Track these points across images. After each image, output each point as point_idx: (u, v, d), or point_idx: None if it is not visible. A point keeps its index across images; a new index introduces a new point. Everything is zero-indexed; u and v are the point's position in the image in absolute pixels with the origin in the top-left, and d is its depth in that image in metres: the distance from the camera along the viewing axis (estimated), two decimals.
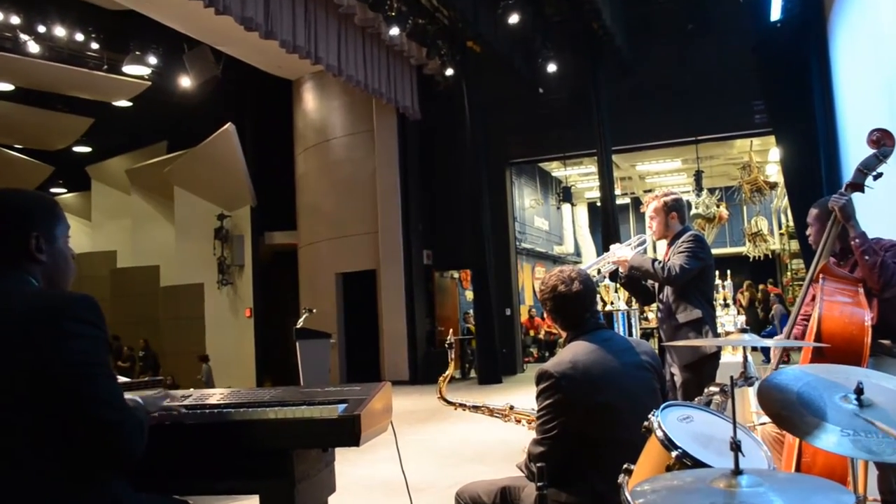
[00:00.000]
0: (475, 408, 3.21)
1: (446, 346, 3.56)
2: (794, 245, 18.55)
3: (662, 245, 4.63)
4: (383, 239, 15.35)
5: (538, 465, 2.26)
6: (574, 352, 2.63)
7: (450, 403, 3.24)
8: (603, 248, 11.98)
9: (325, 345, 10.21)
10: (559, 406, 2.53)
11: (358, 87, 13.63)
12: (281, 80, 16.60)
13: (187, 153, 16.88)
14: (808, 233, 3.73)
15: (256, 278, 16.69)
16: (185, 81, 14.71)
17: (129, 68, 14.21)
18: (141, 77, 14.81)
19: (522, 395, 10.71)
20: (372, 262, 15.43)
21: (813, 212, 3.68)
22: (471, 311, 16.09)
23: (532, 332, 19.59)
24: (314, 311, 10.42)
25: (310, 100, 16.66)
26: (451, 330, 3.57)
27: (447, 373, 3.25)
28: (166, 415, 2.29)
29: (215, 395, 2.57)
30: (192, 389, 2.72)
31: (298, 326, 9.98)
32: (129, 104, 16.06)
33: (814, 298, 3.36)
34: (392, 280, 15.19)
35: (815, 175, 9.88)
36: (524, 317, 19.41)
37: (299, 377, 9.80)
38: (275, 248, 17.43)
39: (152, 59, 14.11)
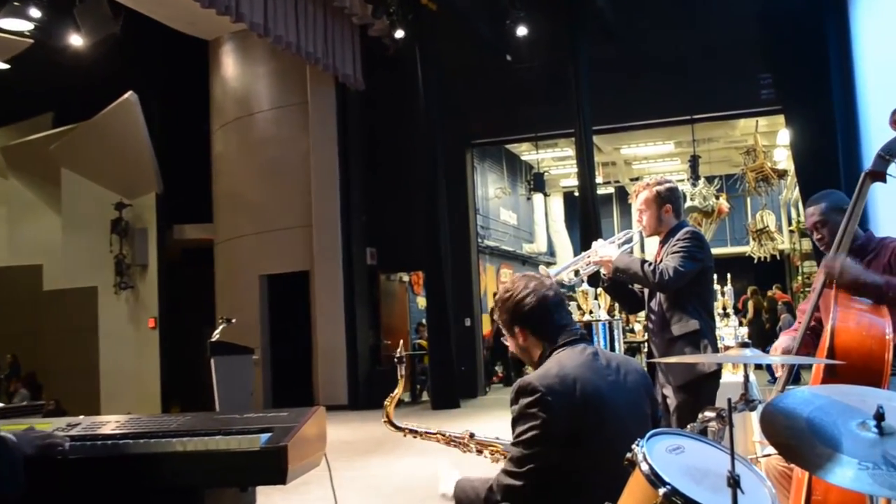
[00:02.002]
0: (428, 435, 3.21)
1: (395, 360, 3.53)
2: (807, 244, 18.89)
3: (653, 243, 4.67)
4: (318, 234, 15.27)
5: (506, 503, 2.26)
6: (560, 364, 2.63)
7: (398, 429, 3.23)
8: (581, 246, 12.07)
9: (247, 362, 10.11)
10: (545, 428, 2.50)
11: (288, 50, 13.52)
12: (195, 40, 16.41)
13: (78, 128, 16.59)
14: (817, 237, 3.77)
15: (163, 281, 16.48)
16: (76, 40, 14.45)
17: (5, 22, 13.90)
18: (20, 34, 14.50)
19: (485, 421, 10.74)
20: (304, 261, 15.35)
21: (814, 209, 3.73)
22: (424, 322, 16.10)
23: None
24: (233, 321, 10.31)
25: (230, 65, 16.50)
26: (400, 342, 3.55)
27: (395, 392, 3.25)
28: (47, 444, 2.24)
29: (109, 424, 2.53)
30: (81, 416, 2.67)
31: (214, 340, 9.88)
32: (6, 66, 15.73)
33: (825, 308, 3.42)
34: (328, 284, 15.12)
35: (831, 161, 10.09)
36: (487, 328, 19.47)
37: (214, 401, 9.70)
38: (186, 245, 17.24)
39: (34, 12, 13.83)
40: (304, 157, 15.51)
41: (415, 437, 3.25)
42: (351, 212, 15.39)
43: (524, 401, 2.53)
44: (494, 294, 18.55)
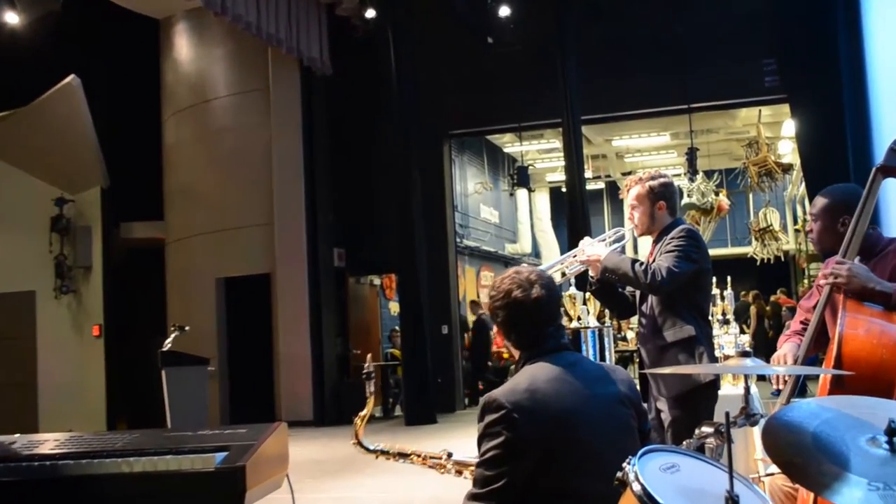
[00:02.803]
0: (402, 456, 3.20)
1: (363, 375, 3.49)
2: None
3: (646, 243, 4.71)
4: (281, 233, 15.22)
5: None
6: (532, 377, 2.64)
7: (369, 451, 3.22)
8: (569, 246, 12.04)
9: (201, 373, 10.08)
10: (510, 448, 2.51)
11: (248, 30, 13.47)
12: (144, 19, 16.31)
13: (13, 115, 16.43)
14: (808, 228, 3.80)
15: (108, 285, 16.36)
16: (12, 18, 14.33)
17: None
18: None
19: (464, 438, 10.73)
20: (265, 263, 15.29)
21: (820, 202, 3.74)
22: (397, 329, 16.09)
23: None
24: (187, 328, 10.27)
25: (183, 47, 16.42)
26: (368, 355, 3.53)
27: (365, 411, 3.24)
28: None
29: (48, 443, 2.51)
30: (16, 435, 2.65)
31: (165, 349, 9.84)
32: None
33: (832, 313, 3.44)
34: (292, 288, 15.07)
35: (840, 155, 10.16)
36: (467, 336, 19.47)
37: (165, 417, 9.66)
38: (134, 245, 17.12)
39: None
40: (265, 148, 15.45)
41: (387, 458, 3.24)
42: (317, 209, 15.34)
43: (489, 418, 2.55)
44: (473, 302, 18.55)
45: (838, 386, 3.07)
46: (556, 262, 4.74)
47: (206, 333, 14.63)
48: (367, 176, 15.53)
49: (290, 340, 15.04)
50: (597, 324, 6.46)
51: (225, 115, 15.96)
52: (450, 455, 3.12)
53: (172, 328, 10.34)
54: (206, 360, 10.33)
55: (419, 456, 3.16)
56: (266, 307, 15.29)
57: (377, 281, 18.21)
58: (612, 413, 2.68)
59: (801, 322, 3.91)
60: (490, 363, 17.77)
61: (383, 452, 3.22)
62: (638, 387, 3.58)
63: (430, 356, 14.18)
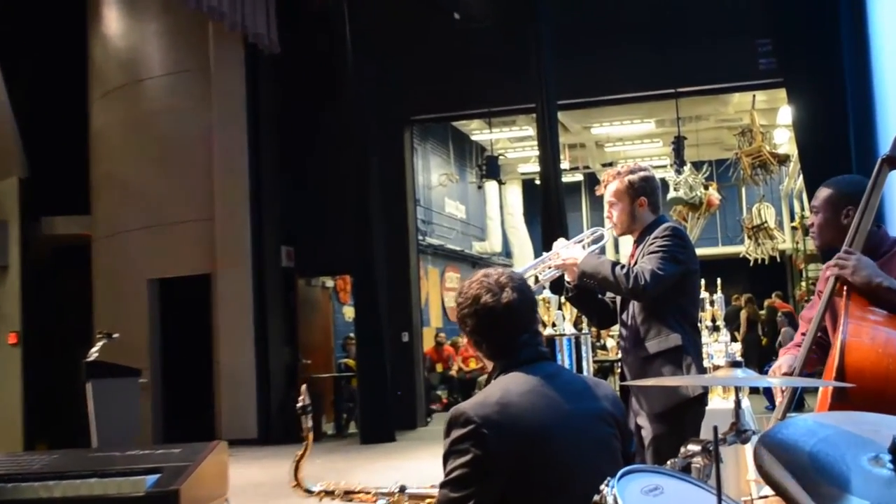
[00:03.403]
0: (350, 494, 3.20)
1: (297, 409, 3.40)
2: (811, 243, 19.09)
3: (627, 243, 4.73)
4: (222, 229, 15.14)
5: None
6: (504, 389, 2.63)
7: (311, 493, 3.22)
8: (543, 244, 12.03)
9: (132, 386, 10.00)
10: (479, 467, 2.51)
11: (186, 3, 13.39)
12: None
13: None
14: (809, 221, 3.81)
15: (27, 286, 16.22)
16: None
17: None
18: None
19: (426, 458, 10.71)
20: (204, 263, 15.20)
21: (823, 192, 3.73)
22: (352, 336, 16.06)
23: (440, 367, 19.71)
24: (116, 336, 10.19)
25: (113, 20, 16.30)
26: (303, 387, 3.48)
27: (301, 452, 3.23)
28: None
29: None
30: None
31: (91, 359, 9.74)
32: None
33: (833, 319, 3.46)
34: (234, 290, 15.00)
35: (842, 144, 10.24)
36: (429, 344, 19.50)
37: (91, 435, 9.58)
38: (56, 242, 16.99)
39: None
40: (205, 134, 15.36)
41: (332, 499, 3.24)
42: (263, 202, 15.26)
43: (455, 433, 2.55)
44: (442, 302, 18.60)
45: (840, 400, 3.07)
46: (528, 268, 4.74)
47: (137, 341, 14.49)
48: (320, 166, 15.45)
49: (232, 349, 14.96)
50: (573, 331, 6.47)
51: (160, 96, 15.84)
52: (403, 489, 3.10)
53: (99, 335, 10.24)
54: (137, 371, 10.25)
55: (369, 493, 3.15)
56: (205, 312, 15.20)
57: (330, 283, 18.17)
58: (593, 431, 2.68)
59: (803, 334, 3.86)
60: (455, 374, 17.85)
61: (328, 493, 3.22)
62: None
63: (388, 366, 14.16)
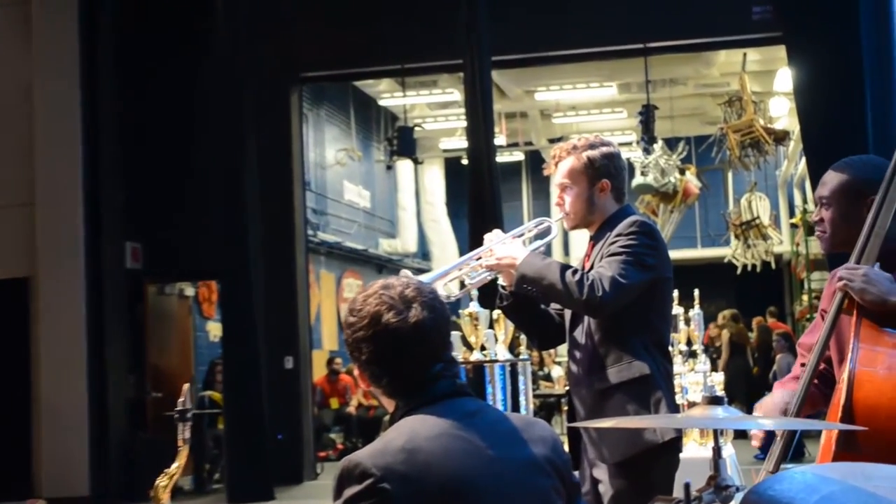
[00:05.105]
0: None
1: (175, 416, 3.26)
2: (817, 245, 19.19)
3: (580, 240, 4.73)
4: (46, 219, 14.93)
5: None
6: (411, 433, 2.62)
7: None
8: (471, 243, 12.00)
9: None
10: None
11: None
12: None
13: None
14: (815, 217, 3.80)
15: None
16: None
17: None
18: None
19: None
20: (21, 262, 14.99)
21: (835, 178, 3.72)
22: (219, 361, 15.98)
23: (335, 402, 19.66)
24: None
25: None
26: (185, 386, 3.50)
27: (174, 467, 3.22)
28: None
29: None
30: None
31: None
32: None
33: (840, 343, 3.49)
34: (62, 299, 14.81)
35: (856, 118, 10.38)
36: (321, 373, 19.46)
37: None
38: None
39: None
40: (22, 93, 15.14)
41: None
42: (101, 185, 15.05)
43: (349, 491, 2.55)
44: (338, 317, 18.55)
45: (847, 447, 3.11)
46: (450, 268, 4.72)
47: None
48: (178, 138, 15.30)
49: (58, 379, 14.73)
50: (508, 356, 6.46)
51: None
52: None
53: None
54: None
55: None
56: (22, 327, 14.99)
57: (190, 291, 18.09)
58: (526, 484, 2.68)
59: (802, 364, 3.88)
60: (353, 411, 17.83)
61: None
62: (567, 447, 3.57)
63: (265, 401, 14.10)
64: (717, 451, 2.59)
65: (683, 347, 7.75)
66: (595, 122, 23.41)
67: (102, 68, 15.21)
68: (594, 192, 4.50)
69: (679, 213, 19.96)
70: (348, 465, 2.56)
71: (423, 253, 25.74)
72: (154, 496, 3.21)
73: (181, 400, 3.32)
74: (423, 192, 25.64)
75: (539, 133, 24.06)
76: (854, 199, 3.60)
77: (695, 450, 6.23)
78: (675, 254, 4.86)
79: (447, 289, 4.64)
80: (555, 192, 4.62)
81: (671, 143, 19.33)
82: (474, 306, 5.75)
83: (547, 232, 4.76)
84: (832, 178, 3.71)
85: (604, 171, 4.50)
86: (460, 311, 6.17)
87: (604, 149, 4.54)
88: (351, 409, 19.66)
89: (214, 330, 17.93)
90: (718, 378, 8.75)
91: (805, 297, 20.42)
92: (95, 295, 14.90)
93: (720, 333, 18.21)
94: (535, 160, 24.73)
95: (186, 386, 3.41)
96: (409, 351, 2.73)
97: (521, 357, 6.69)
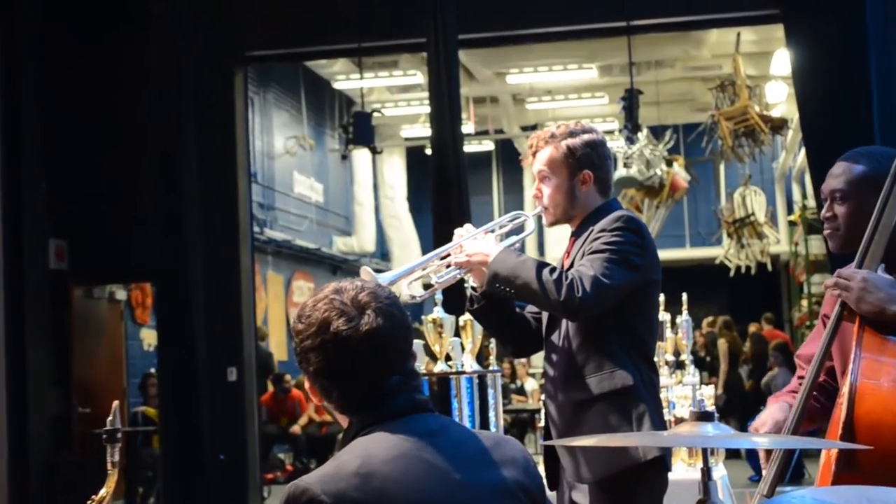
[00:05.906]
0: None
1: (103, 436, 3.31)
2: (818, 244, 19.32)
3: (559, 237, 4.82)
4: None
5: None
6: (365, 454, 2.62)
7: None
8: (436, 240, 11.98)
9: None
10: None
11: None
12: None
13: None
14: (823, 214, 3.81)
15: None
16: None
17: None
18: None
19: None
20: None
21: (852, 170, 3.71)
22: (153, 372, 15.95)
23: (284, 419, 19.64)
24: None
25: None
26: (115, 403, 3.53)
27: (103, 492, 3.26)
28: None
29: None
30: None
31: None
32: None
33: (842, 354, 3.58)
34: None
35: (861, 104, 10.48)
36: (269, 389, 19.44)
37: None
38: None
39: None
40: None
41: None
42: (22, 174, 15.04)
43: None
44: (288, 323, 18.49)
45: (848, 468, 3.16)
46: (413, 267, 4.68)
47: None
48: (109, 125, 15.21)
49: None
50: (477, 367, 6.50)
51: None
52: None
53: None
54: None
55: None
56: None
57: (122, 294, 18.04)
58: None
59: (800, 378, 3.90)
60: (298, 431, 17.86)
61: None
62: (541, 467, 3.64)
63: (206, 418, 14.13)
64: (706, 472, 2.60)
65: (670, 358, 7.69)
66: (573, 109, 23.22)
67: (22, 45, 15.15)
68: (575, 184, 4.51)
69: (666, 208, 19.88)
70: (295, 490, 2.53)
71: (382, 253, 25.69)
72: None
73: (110, 419, 3.28)
74: (382, 186, 25.54)
75: (511, 120, 23.97)
76: (875, 194, 3.52)
77: (683, 471, 6.27)
78: (661, 254, 4.81)
79: (412, 289, 4.62)
80: (532, 183, 4.62)
81: (657, 132, 19.32)
82: (438, 311, 5.67)
83: (522, 227, 4.78)
84: (847, 170, 3.70)
85: (585, 161, 4.51)
86: (423, 317, 6.16)
87: (586, 136, 4.55)
88: (298, 426, 19.42)
89: (149, 338, 17.88)
90: (709, 392, 8.66)
91: (804, 303, 20.34)
92: (14, 299, 14.81)
93: (703, 343, 18.16)
94: (507, 150, 24.76)
95: (116, 403, 3.30)
96: (361, 362, 2.69)
97: (490, 368, 6.69)
